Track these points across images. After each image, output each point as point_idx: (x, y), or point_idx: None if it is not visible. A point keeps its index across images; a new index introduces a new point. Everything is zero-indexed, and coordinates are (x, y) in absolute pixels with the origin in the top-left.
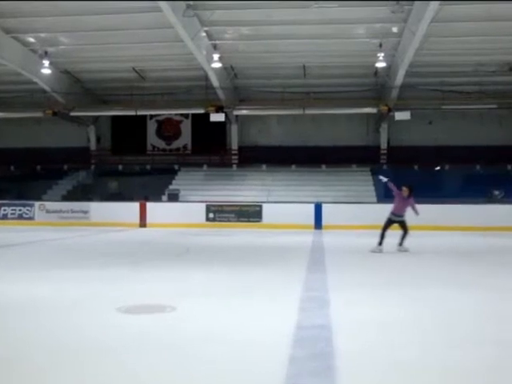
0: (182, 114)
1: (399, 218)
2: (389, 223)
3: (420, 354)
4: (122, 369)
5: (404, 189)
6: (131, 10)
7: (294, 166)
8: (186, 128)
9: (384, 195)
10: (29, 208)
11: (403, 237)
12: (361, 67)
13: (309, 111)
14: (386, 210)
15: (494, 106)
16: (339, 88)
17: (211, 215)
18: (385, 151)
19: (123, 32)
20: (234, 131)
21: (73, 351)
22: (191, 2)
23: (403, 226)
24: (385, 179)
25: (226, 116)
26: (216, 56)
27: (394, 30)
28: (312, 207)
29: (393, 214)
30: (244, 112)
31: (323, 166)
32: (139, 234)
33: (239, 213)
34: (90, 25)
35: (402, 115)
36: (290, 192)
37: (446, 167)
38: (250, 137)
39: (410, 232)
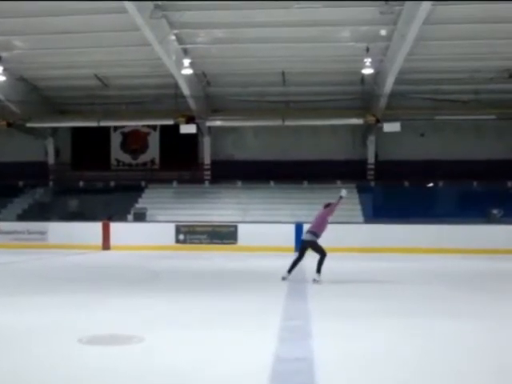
0: (149, 126)
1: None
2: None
3: None
4: None
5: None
6: (93, 11)
7: (272, 183)
8: (154, 141)
9: (372, 215)
10: None
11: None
12: (346, 74)
13: (289, 122)
14: (374, 230)
15: (493, 117)
16: (322, 97)
17: (181, 237)
18: (372, 166)
19: (85, 35)
20: (206, 144)
21: None
22: (159, 2)
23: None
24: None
25: (198, 128)
26: (187, 61)
27: (383, 32)
28: (292, 228)
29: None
30: (217, 123)
31: (305, 183)
32: (102, 258)
33: (212, 234)
34: (48, 27)
35: (391, 127)
36: (268, 211)
37: (440, 184)
38: (224, 150)
39: (400, 255)
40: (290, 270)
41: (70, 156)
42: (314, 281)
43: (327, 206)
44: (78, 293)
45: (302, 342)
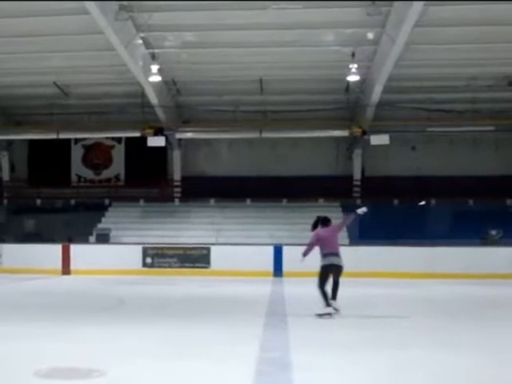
0: (113, 138)
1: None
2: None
3: None
4: None
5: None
6: (52, 13)
7: (248, 201)
8: (119, 155)
9: (358, 236)
10: None
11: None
12: (329, 81)
13: (267, 134)
14: (359, 253)
15: (491, 128)
16: (303, 106)
17: (149, 260)
18: (358, 182)
19: (42, 39)
20: (176, 158)
21: None
22: (125, 3)
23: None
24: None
25: (167, 140)
26: (154, 68)
27: (370, 36)
28: (271, 250)
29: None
30: (188, 135)
31: (284, 201)
32: (62, 283)
33: (183, 257)
34: (1, 30)
35: (378, 139)
36: (244, 232)
37: (433, 202)
38: (195, 165)
39: (388, 281)
40: (333, 297)
41: (27, 171)
42: (336, 311)
43: (326, 222)
44: (36, 321)
45: (281, 375)
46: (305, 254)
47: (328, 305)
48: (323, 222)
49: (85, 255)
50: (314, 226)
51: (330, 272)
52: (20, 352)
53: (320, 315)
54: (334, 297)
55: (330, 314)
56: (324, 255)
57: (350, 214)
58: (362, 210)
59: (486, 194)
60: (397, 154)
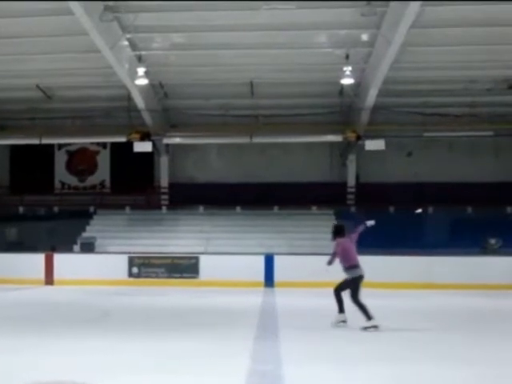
0: (98, 144)
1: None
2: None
3: None
4: None
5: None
6: (35, 13)
7: (238, 208)
8: (104, 160)
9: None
10: None
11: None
12: (322, 84)
13: (257, 139)
14: None
15: (490, 134)
16: (295, 110)
17: (135, 270)
18: (352, 189)
19: (24, 40)
20: (163, 164)
21: None
22: (110, 3)
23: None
24: (372, 223)
25: (154, 145)
26: (141, 70)
27: (364, 37)
28: (261, 259)
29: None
30: (176, 140)
31: (275, 208)
32: (45, 294)
33: (171, 267)
34: None
35: (374, 144)
36: (234, 240)
37: (430, 210)
38: (183, 171)
39: (384, 292)
40: (368, 317)
41: (8, 178)
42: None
43: (341, 231)
44: (18, 334)
45: None
46: (330, 262)
47: (370, 317)
48: (342, 231)
49: (69, 265)
50: (336, 235)
51: (361, 283)
52: (1, 366)
53: (365, 328)
54: (343, 309)
55: (375, 327)
56: (351, 267)
57: (360, 224)
58: (370, 223)
59: (485, 202)
60: (393, 159)
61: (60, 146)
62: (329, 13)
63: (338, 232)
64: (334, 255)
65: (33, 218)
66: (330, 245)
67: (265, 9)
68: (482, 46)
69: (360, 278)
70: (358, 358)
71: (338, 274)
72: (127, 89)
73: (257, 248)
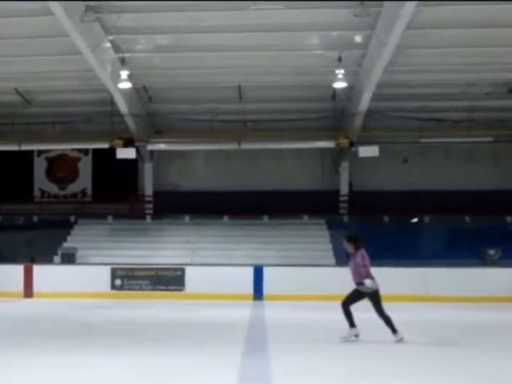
0: (79, 150)
1: (358, 287)
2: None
3: None
4: None
5: (345, 243)
6: (13, 14)
7: (226, 218)
8: (86, 168)
9: (345, 256)
10: None
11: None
12: (314, 88)
13: (246, 146)
14: (346, 274)
15: (489, 139)
16: (286, 115)
17: (118, 282)
18: (345, 198)
19: (1, 42)
20: (147, 172)
21: None
22: (92, 3)
23: (370, 298)
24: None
25: (138, 152)
26: (124, 73)
27: (358, 39)
28: (250, 271)
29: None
30: (161, 147)
31: (265, 218)
32: (24, 307)
33: (155, 279)
34: None
35: (367, 151)
36: (222, 251)
37: (426, 219)
38: (168, 179)
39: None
40: (393, 330)
41: None
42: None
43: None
44: None
45: None
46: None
47: (395, 330)
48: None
49: (49, 277)
50: (357, 244)
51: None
52: None
53: (397, 341)
54: (354, 324)
55: (402, 339)
56: (372, 278)
57: None
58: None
59: (483, 211)
60: (387, 166)
61: (39, 153)
62: (320, 13)
63: (357, 242)
64: (366, 267)
65: (11, 227)
66: (320, 255)
67: (253, 9)
68: (481, 47)
69: (374, 292)
70: (349, 373)
71: (332, 286)
72: (110, 93)
73: (245, 259)
